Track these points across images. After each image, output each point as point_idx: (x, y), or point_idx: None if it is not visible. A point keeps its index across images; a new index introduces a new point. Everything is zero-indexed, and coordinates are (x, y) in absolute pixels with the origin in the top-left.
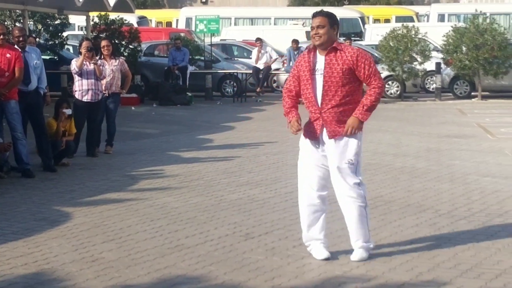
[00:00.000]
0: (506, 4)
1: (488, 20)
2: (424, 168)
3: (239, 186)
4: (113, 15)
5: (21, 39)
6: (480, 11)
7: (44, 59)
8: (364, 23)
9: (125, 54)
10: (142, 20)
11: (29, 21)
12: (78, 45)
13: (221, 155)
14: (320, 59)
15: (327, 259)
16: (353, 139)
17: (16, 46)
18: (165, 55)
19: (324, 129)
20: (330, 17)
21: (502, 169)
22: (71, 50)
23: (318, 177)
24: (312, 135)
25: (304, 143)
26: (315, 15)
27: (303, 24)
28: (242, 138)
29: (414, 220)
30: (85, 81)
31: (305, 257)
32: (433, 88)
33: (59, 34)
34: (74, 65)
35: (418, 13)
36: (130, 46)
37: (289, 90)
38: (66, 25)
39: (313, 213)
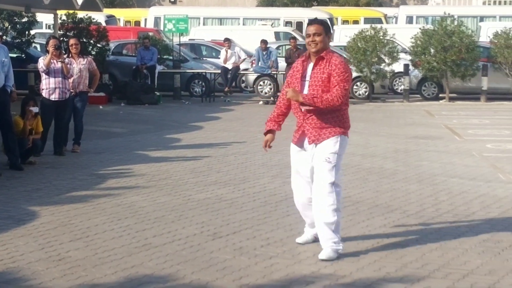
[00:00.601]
0: (474, 6)
1: (456, 23)
2: (392, 169)
3: (207, 186)
4: (81, 14)
5: None
6: (448, 14)
7: (11, 57)
8: (333, 24)
9: (93, 53)
10: (110, 19)
11: None
12: (45, 43)
13: (189, 154)
14: (310, 67)
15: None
16: (332, 141)
17: None
18: (133, 54)
19: (306, 138)
20: (325, 25)
21: (469, 170)
22: (39, 48)
23: (305, 172)
24: (298, 141)
25: (293, 145)
26: (311, 22)
27: (271, 25)
28: (210, 138)
29: (382, 220)
30: (52, 80)
31: (273, 256)
32: (401, 90)
33: (26, 32)
34: (42, 63)
35: (386, 15)
36: (98, 45)
37: (282, 98)
38: (33, 23)
39: (304, 208)
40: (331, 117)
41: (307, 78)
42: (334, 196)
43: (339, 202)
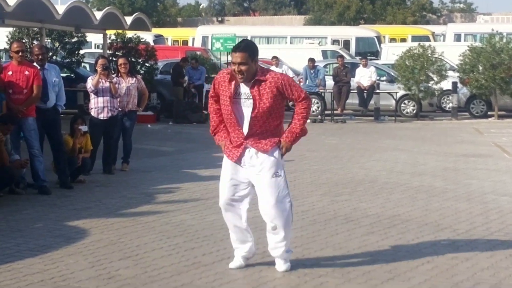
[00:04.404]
0: None
1: (504, 40)
2: (442, 187)
3: (256, 204)
4: (130, 33)
5: (40, 57)
6: (497, 31)
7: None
8: (380, 42)
9: (142, 72)
10: (158, 38)
11: (47, 39)
12: (94, 62)
13: None
14: (244, 87)
15: (239, 267)
16: (274, 154)
17: (35, 63)
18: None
19: (247, 151)
20: (250, 49)
21: None
22: (88, 68)
23: (236, 189)
24: (234, 157)
25: (227, 161)
26: (235, 49)
27: (319, 43)
28: None
29: (432, 239)
30: (100, 99)
31: (322, 275)
32: (449, 108)
33: (76, 52)
34: (90, 83)
35: (434, 32)
36: (147, 64)
37: (211, 104)
38: (83, 43)
39: (235, 225)
40: (273, 128)
41: (242, 96)
42: (291, 209)
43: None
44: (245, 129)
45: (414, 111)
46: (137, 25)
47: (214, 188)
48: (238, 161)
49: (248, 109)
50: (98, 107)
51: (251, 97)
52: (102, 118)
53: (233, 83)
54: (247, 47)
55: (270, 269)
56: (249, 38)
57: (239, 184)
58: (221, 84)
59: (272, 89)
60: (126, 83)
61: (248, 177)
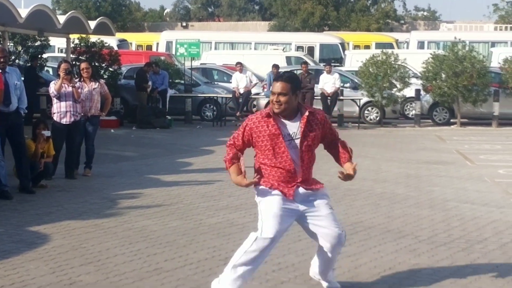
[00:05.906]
0: (485, 32)
1: (467, 48)
2: (404, 194)
3: (219, 210)
4: (93, 38)
5: (1, 60)
6: (459, 39)
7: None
8: (344, 49)
9: (105, 76)
10: (122, 43)
11: (9, 43)
12: (57, 67)
13: (201, 178)
14: (290, 125)
15: None
16: (325, 191)
17: None
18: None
19: (299, 188)
20: (293, 82)
21: (481, 195)
22: (51, 72)
23: (285, 221)
24: (290, 195)
25: (276, 194)
26: (277, 79)
27: (283, 49)
28: (221, 162)
29: (394, 246)
30: (63, 103)
31: (284, 282)
32: (412, 115)
33: (39, 56)
34: (53, 88)
35: (397, 40)
36: (110, 69)
37: (234, 146)
38: (46, 47)
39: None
40: (311, 170)
41: (295, 136)
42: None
43: None
44: (297, 169)
45: (378, 118)
46: (101, 29)
47: (176, 194)
48: (294, 198)
49: (295, 148)
50: (61, 111)
51: (298, 139)
52: (64, 123)
53: (276, 121)
54: (290, 78)
55: None
56: (213, 44)
57: (287, 216)
58: (260, 129)
59: (317, 125)
60: (89, 88)
61: (297, 214)
